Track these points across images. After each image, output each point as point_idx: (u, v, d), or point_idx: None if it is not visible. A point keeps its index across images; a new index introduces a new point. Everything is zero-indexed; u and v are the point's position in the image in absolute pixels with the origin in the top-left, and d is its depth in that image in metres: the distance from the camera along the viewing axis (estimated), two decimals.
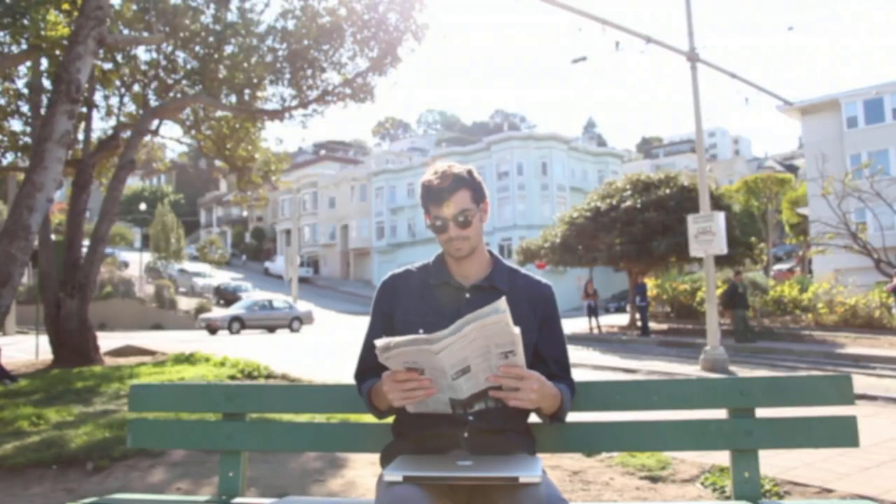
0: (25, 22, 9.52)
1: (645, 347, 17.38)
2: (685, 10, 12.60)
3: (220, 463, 2.25)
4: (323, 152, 77.82)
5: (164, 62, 13.00)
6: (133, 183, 62.55)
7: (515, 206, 45.99)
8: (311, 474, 4.15)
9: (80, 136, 12.05)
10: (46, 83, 11.18)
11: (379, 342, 1.61)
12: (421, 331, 1.89)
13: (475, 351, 1.61)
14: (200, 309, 31.49)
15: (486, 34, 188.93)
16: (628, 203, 20.55)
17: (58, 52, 9.13)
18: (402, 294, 1.98)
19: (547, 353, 1.97)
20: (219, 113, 13.73)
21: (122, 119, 13.28)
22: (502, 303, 1.56)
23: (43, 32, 9.01)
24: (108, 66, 12.22)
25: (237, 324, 25.04)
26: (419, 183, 1.95)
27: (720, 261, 17.82)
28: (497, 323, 1.56)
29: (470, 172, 1.93)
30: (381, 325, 1.98)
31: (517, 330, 1.60)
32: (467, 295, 1.93)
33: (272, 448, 2.34)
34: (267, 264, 56.25)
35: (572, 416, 2.02)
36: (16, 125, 12.53)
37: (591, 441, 2.12)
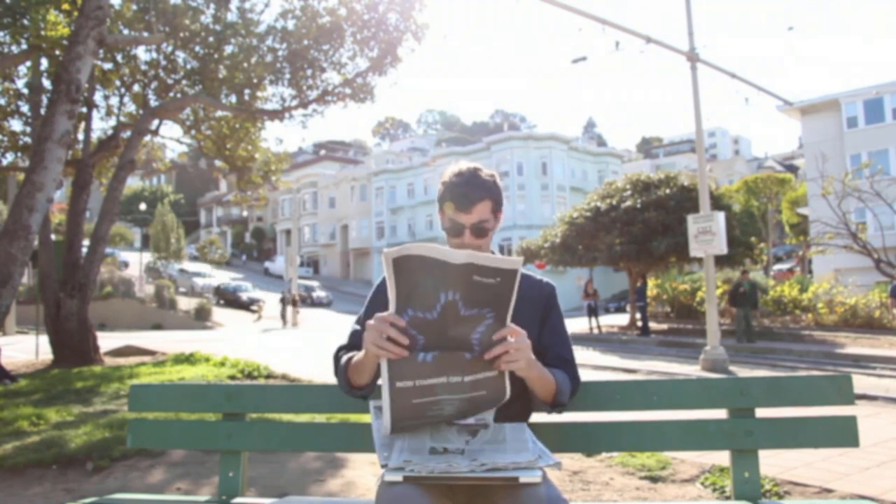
0: (25, 22, 9.50)
1: (645, 347, 17.38)
2: (685, 10, 12.63)
3: (220, 463, 2.25)
4: (323, 152, 77.86)
5: (164, 62, 12.99)
6: (133, 183, 62.54)
7: (515, 206, 45.93)
8: (311, 474, 4.14)
9: (80, 136, 12.04)
10: (46, 83, 11.18)
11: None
12: None
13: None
14: (201, 309, 31.59)
15: (486, 34, 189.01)
16: (628, 203, 20.54)
17: (58, 52, 9.13)
18: None
19: (551, 351, 1.97)
20: (219, 113, 13.72)
21: (122, 119, 13.28)
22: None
23: (43, 32, 9.01)
24: (108, 66, 12.22)
25: None
26: (441, 180, 1.92)
27: (720, 261, 17.84)
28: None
29: (495, 181, 1.91)
30: None
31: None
32: None
33: (272, 448, 2.33)
34: (267, 264, 56.29)
35: (572, 416, 2.01)
36: (16, 125, 12.54)
37: (591, 441, 2.12)
